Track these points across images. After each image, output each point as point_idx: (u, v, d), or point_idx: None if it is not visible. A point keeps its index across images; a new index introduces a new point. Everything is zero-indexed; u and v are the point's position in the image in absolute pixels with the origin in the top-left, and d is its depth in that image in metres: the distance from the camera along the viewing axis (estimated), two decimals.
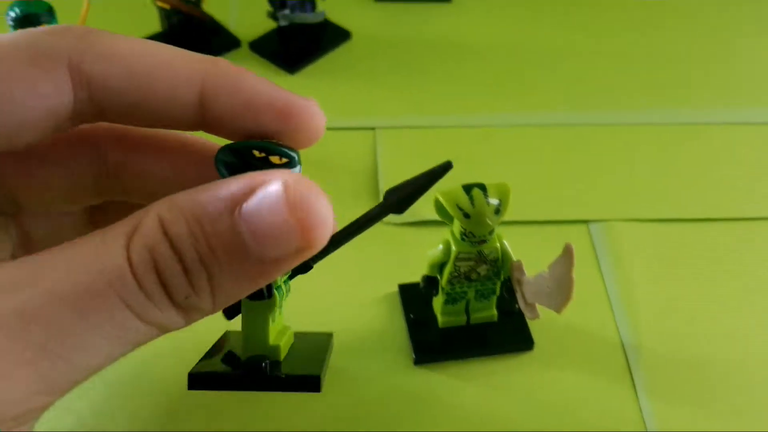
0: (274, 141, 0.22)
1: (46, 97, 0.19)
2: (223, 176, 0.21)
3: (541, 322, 0.39)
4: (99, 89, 0.19)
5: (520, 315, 0.41)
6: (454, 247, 0.37)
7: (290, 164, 0.22)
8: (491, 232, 0.37)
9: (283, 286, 0.27)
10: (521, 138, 0.53)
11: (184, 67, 0.20)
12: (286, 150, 0.21)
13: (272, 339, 0.25)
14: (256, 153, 0.21)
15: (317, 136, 0.22)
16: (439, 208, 0.36)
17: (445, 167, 0.21)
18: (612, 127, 0.54)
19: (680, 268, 0.45)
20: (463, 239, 0.37)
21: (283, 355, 0.26)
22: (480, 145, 0.53)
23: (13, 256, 0.22)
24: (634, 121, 0.55)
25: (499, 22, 0.63)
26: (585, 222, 0.48)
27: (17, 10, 0.49)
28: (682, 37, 0.62)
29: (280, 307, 0.27)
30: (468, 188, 0.36)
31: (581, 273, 0.44)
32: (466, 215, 0.35)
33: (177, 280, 0.18)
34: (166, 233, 0.18)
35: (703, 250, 0.46)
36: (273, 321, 0.26)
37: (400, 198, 0.23)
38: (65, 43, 0.19)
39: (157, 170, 0.24)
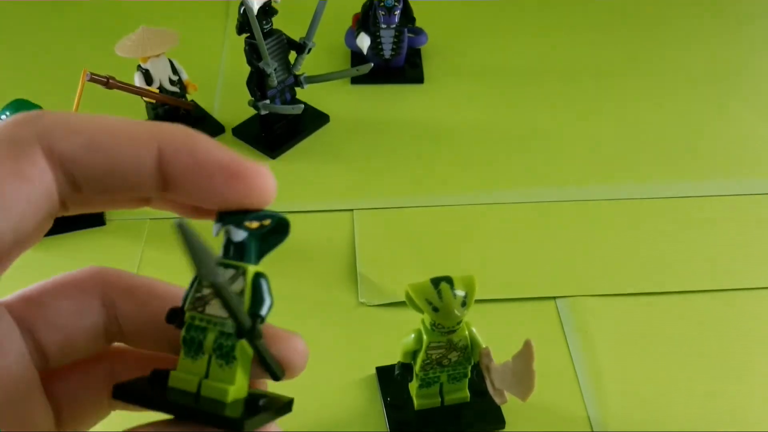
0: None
1: (35, 183, 0.20)
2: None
3: (512, 401, 0.41)
4: (70, 165, 0.20)
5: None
6: (425, 337, 0.40)
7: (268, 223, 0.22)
8: (459, 322, 0.39)
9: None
10: (491, 216, 0.56)
11: (142, 132, 0.21)
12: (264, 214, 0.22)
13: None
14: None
15: (268, 198, 0.22)
16: (410, 301, 0.39)
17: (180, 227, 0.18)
18: (578, 203, 0.57)
19: (647, 343, 0.48)
20: (433, 329, 0.39)
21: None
22: (452, 224, 0.56)
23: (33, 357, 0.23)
24: (599, 196, 0.58)
25: (470, 103, 0.66)
26: (552, 298, 0.50)
27: (8, 113, 0.52)
28: (649, 114, 0.66)
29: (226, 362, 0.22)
30: (436, 282, 0.39)
31: (549, 350, 0.47)
32: (435, 309, 0.38)
33: None
34: None
35: (669, 324, 0.49)
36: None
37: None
38: (33, 128, 0.20)
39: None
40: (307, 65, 0.60)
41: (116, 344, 0.25)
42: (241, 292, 0.22)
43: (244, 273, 0.22)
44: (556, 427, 0.43)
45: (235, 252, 0.22)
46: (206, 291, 0.22)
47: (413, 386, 0.43)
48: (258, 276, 0.22)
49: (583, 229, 0.55)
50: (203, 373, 0.22)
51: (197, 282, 0.22)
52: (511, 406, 0.43)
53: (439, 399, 0.43)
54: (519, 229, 0.55)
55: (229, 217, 0.22)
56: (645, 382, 0.45)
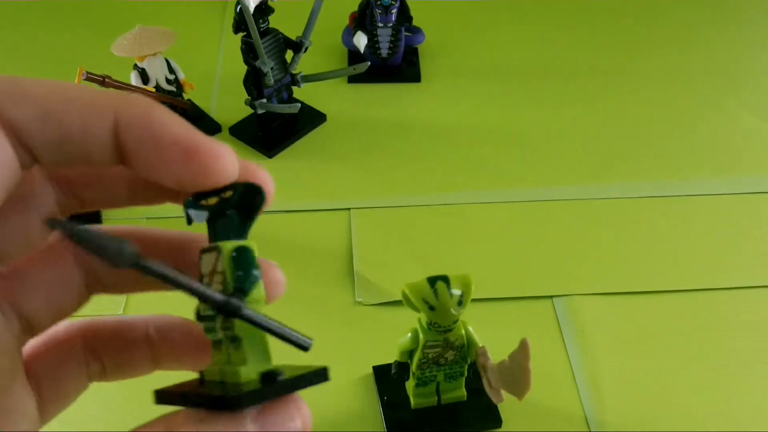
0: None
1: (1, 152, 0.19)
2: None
3: (509, 400, 0.41)
4: (23, 134, 0.20)
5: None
6: (422, 336, 0.40)
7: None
8: (456, 321, 0.39)
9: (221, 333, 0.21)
10: (488, 215, 0.56)
11: (95, 102, 0.20)
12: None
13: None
14: (192, 202, 0.21)
15: (225, 180, 0.21)
16: (406, 300, 0.39)
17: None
18: (575, 202, 0.57)
19: (643, 342, 0.48)
20: (429, 328, 0.39)
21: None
22: (449, 223, 0.55)
23: (18, 340, 0.23)
24: (596, 195, 0.58)
25: (467, 101, 0.66)
26: (549, 297, 0.50)
27: None
28: (647, 112, 0.66)
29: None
30: (432, 281, 0.38)
31: (546, 349, 0.47)
32: (431, 308, 0.38)
33: None
34: None
35: (665, 322, 0.49)
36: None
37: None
38: None
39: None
40: (303, 64, 0.60)
41: (92, 318, 0.25)
42: (223, 272, 0.21)
43: (220, 251, 0.21)
44: (553, 426, 0.43)
45: (217, 233, 0.22)
46: (206, 278, 0.21)
47: (410, 385, 0.43)
48: (236, 250, 0.21)
49: (580, 227, 0.55)
50: (225, 360, 0.21)
51: (200, 273, 0.22)
52: (507, 404, 0.43)
53: (436, 398, 0.43)
54: (516, 227, 0.55)
55: (192, 199, 0.22)
56: (642, 381, 0.45)
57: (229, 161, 0.21)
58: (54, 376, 0.24)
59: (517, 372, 0.36)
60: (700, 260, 0.53)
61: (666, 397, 0.45)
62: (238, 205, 0.21)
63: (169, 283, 0.19)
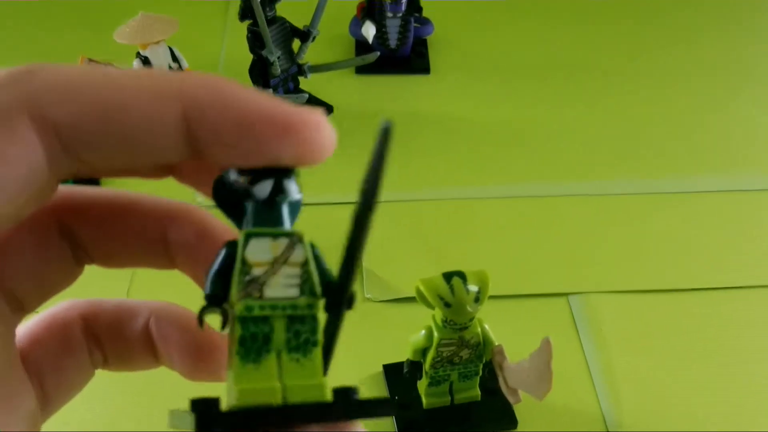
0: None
1: (15, 165, 0.16)
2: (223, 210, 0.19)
3: (525, 400, 0.39)
4: (68, 135, 0.16)
5: (503, 394, 0.42)
6: (436, 333, 0.38)
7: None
8: (472, 319, 0.38)
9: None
10: (500, 210, 0.55)
11: (158, 89, 0.17)
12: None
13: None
14: (232, 176, 0.18)
15: (323, 153, 0.18)
16: (421, 296, 0.37)
17: (386, 132, 0.16)
18: (589, 198, 0.56)
19: (660, 340, 0.46)
20: (444, 326, 0.38)
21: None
22: (460, 218, 0.54)
23: (8, 321, 0.21)
24: (611, 191, 0.56)
25: (477, 94, 0.65)
26: (565, 295, 0.49)
27: None
28: (654, 108, 0.64)
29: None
30: (448, 277, 0.37)
31: (562, 348, 0.46)
32: (447, 304, 0.37)
33: None
34: None
35: (684, 321, 0.47)
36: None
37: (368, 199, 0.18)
38: (20, 90, 0.16)
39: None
40: (310, 55, 0.58)
41: (92, 299, 0.22)
42: (304, 264, 0.18)
43: (300, 240, 0.18)
44: (570, 426, 0.42)
45: (263, 216, 0.18)
46: (258, 269, 0.18)
47: (422, 384, 0.41)
48: (310, 243, 0.18)
49: (596, 224, 0.54)
50: (275, 376, 0.17)
51: (242, 260, 0.18)
52: (522, 405, 0.42)
53: (449, 398, 0.42)
54: (529, 224, 0.54)
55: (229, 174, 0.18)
56: (660, 381, 0.44)
57: (327, 132, 0.18)
58: (56, 364, 0.21)
59: (538, 372, 0.35)
60: (720, 257, 0.51)
61: (686, 397, 0.43)
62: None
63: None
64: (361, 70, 0.65)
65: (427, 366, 0.40)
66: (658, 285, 0.49)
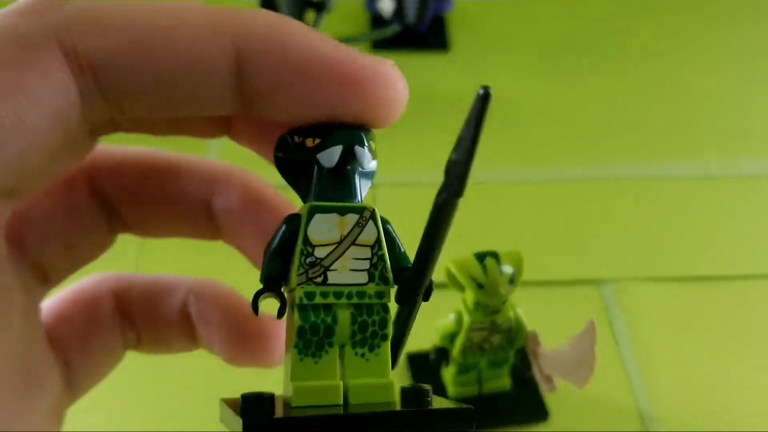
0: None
1: (44, 102, 0.14)
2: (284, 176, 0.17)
3: (556, 391, 0.37)
4: (104, 71, 0.14)
5: (534, 383, 0.39)
6: (466, 317, 0.36)
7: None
8: (505, 302, 0.35)
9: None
10: (527, 195, 0.52)
11: (208, 23, 0.15)
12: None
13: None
14: (296, 138, 0.16)
15: (391, 114, 0.16)
16: (451, 277, 0.35)
17: (484, 99, 0.14)
18: (621, 182, 0.53)
19: (697, 330, 0.44)
20: (476, 309, 0.35)
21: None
22: (485, 203, 0.51)
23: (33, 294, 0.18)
24: (644, 174, 0.54)
25: (497, 72, 0.62)
26: (596, 282, 0.46)
27: None
28: (698, 86, 0.62)
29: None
30: (481, 257, 0.34)
31: None
32: (480, 285, 0.34)
33: None
34: None
35: (726, 311, 0.45)
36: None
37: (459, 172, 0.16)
38: (50, 19, 0.14)
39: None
40: (324, 29, 0.56)
41: (124, 274, 0.20)
42: (375, 245, 0.16)
43: (372, 216, 0.16)
44: (604, 420, 0.39)
45: (330, 187, 0.16)
46: (322, 250, 0.15)
47: (449, 372, 0.39)
48: (381, 217, 0.16)
49: (629, 209, 0.51)
50: (336, 374, 0.15)
51: (304, 239, 0.15)
52: (553, 398, 0.39)
53: (477, 387, 0.39)
54: (557, 208, 0.51)
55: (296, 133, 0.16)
56: (700, 374, 0.41)
57: (400, 85, 0.16)
58: (83, 341, 0.19)
59: (579, 357, 0.32)
60: (758, 245, 0.49)
61: (727, 391, 0.41)
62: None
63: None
64: (378, 45, 0.62)
65: (455, 352, 0.37)
66: (696, 272, 0.47)
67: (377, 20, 0.64)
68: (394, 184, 0.52)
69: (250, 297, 0.16)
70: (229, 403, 0.15)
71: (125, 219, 0.19)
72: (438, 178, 0.55)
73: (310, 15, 0.55)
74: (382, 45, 0.62)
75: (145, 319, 0.20)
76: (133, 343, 0.21)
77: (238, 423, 0.14)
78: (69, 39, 0.14)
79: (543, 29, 0.67)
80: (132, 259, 0.46)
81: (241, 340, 0.20)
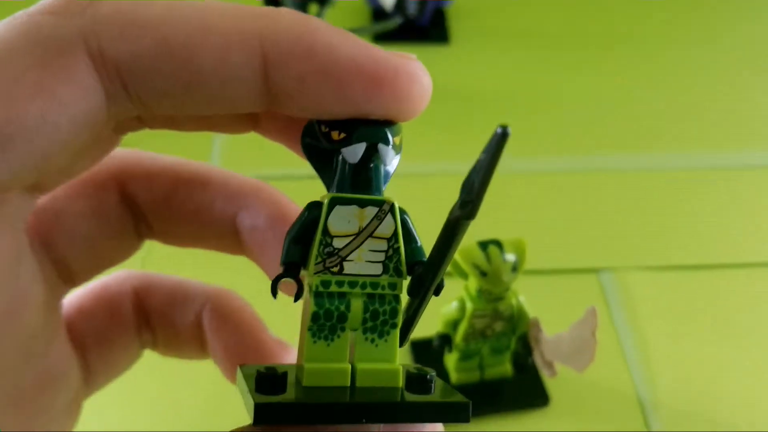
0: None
1: (70, 105, 0.14)
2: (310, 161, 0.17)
3: (556, 377, 0.38)
4: (131, 74, 0.14)
5: (535, 370, 0.40)
6: (469, 305, 0.36)
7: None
8: (507, 289, 0.36)
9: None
10: (528, 185, 0.53)
11: (234, 27, 0.15)
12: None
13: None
14: (323, 128, 0.16)
15: (417, 108, 0.17)
16: (454, 265, 0.36)
17: (502, 138, 0.14)
18: (621, 173, 0.54)
19: (696, 318, 0.44)
20: (479, 296, 0.36)
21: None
22: (487, 192, 0.52)
23: (55, 290, 0.19)
24: (642, 165, 0.54)
25: (498, 64, 0.62)
26: (595, 271, 0.47)
27: None
28: (694, 79, 0.62)
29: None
30: (484, 245, 0.35)
31: None
32: (483, 273, 0.35)
33: None
34: None
35: (724, 299, 0.45)
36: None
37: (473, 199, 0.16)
38: (75, 23, 0.14)
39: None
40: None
41: (147, 273, 0.21)
42: (392, 238, 0.16)
43: (390, 210, 0.16)
44: (604, 405, 0.40)
45: (353, 178, 0.16)
46: (341, 241, 0.16)
47: (451, 359, 0.40)
48: (400, 209, 0.17)
49: (627, 198, 0.52)
50: (346, 357, 0.16)
51: (323, 230, 0.16)
52: (555, 382, 0.40)
53: (479, 373, 0.40)
54: (558, 198, 0.52)
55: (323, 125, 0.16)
56: (698, 360, 0.42)
57: (425, 79, 0.16)
58: (102, 338, 0.20)
59: (580, 343, 0.33)
60: (758, 233, 0.49)
61: (722, 376, 0.41)
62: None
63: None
64: (380, 38, 0.63)
65: (458, 339, 0.38)
66: (695, 260, 0.47)
67: (378, 13, 0.65)
68: (397, 174, 0.53)
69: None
70: (246, 373, 0.16)
71: (152, 226, 0.20)
72: (437, 168, 0.56)
73: (314, 8, 0.55)
74: (383, 38, 0.63)
75: (161, 321, 0.21)
76: (149, 343, 0.21)
77: (250, 401, 0.14)
78: (96, 42, 0.14)
79: (543, 22, 0.67)
80: (138, 258, 0.46)
81: (239, 360, 0.20)
